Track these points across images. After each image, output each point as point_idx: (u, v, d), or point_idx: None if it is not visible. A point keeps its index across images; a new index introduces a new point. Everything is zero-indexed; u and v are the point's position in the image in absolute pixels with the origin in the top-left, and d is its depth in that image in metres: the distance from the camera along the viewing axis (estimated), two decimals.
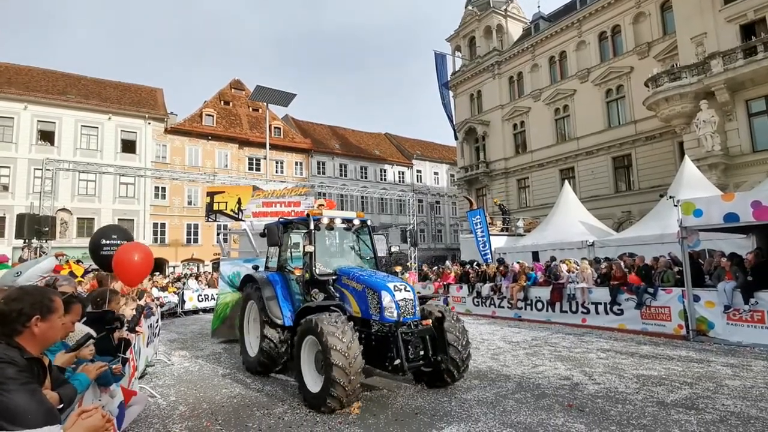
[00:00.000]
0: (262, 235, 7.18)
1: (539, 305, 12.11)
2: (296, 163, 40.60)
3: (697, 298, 8.95)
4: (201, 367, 7.55)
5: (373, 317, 5.35)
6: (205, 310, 16.50)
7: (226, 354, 8.63)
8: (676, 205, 9.25)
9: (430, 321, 5.51)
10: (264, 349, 6.35)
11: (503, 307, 13.20)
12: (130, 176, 28.83)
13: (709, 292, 8.87)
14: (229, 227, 14.59)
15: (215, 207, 13.89)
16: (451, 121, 36.03)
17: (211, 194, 14.23)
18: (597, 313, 10.88)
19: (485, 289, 13.98)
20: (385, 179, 46.27)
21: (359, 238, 7.06)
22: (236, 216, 13.57)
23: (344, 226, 6.71)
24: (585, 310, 11.16)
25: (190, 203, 34.69)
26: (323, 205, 11.48)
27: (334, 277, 6.02)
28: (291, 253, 7.09)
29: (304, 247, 6.30)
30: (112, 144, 31.67)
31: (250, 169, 37.04)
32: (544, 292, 12.06)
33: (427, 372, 5.71)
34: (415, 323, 5.39)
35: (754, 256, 8.81)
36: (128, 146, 32.44)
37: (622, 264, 10.98)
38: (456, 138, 37.62)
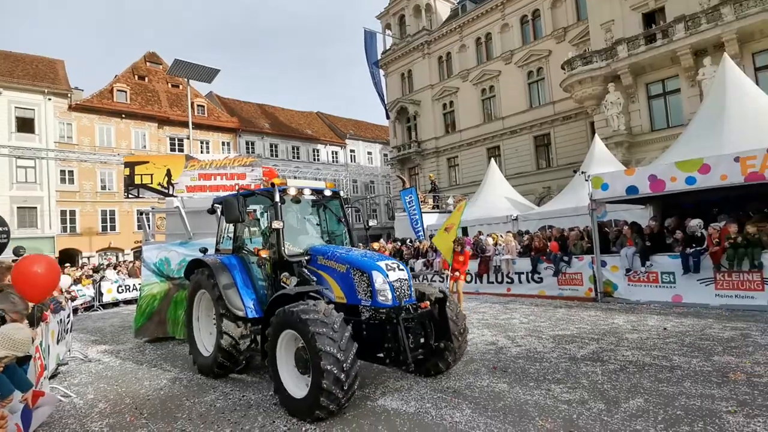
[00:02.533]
0: (210, 211, 6.32)
1: (468, 278, 12.74)
2: (223, 143, 38.57)
3: (604, 264, 9.92)
4: (123, 362, 7.09)
5: (363, 303, 4.60)
6: (127, 302, 15.44)
7: (152, 347, 8.17)
8: (587, 180, 10.09)
9: (428, 303, 4.89)
10: (222, 347, 5.39)
11: (435, 281, 13.72)
12: (29, 158, 25.74)
13: (614, 257, 9.86)
14: (154, 206, 12.69)
15: (137, 180, 11.79)
16: (382, 100, 36.03)
17: (130, 165, 12.02)
18: (520, 282, 11.69)
19: (418, 264, 14.42)
20: (318, 159, 45.52)
21: (328, 213, 6.17)
22: (166, 191, 11.65)
23: (313, 198, 5.86)
24: (509, 280, 11.94)
25: (104, 188, 31.82)
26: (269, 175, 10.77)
27: (306, 258, 5.17)
28: (250, 232, 6.12)
29: (270, 223, 5.40)
30: (4, 122, 27.96)
31: (172, 149, 34.61)
32: (472, 265, 12.69)
33: (419, 360, 4.93)
34: (414, 307, 4.77)
35: (655, 224, 9.89)
36: (25, 125, 28.80)
37: (540, 235, 11.83)
38: (388, 117, 37.78)
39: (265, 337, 4.61)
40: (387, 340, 4.46)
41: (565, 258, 10.71)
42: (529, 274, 11.45)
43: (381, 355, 4.55)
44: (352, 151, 49.02)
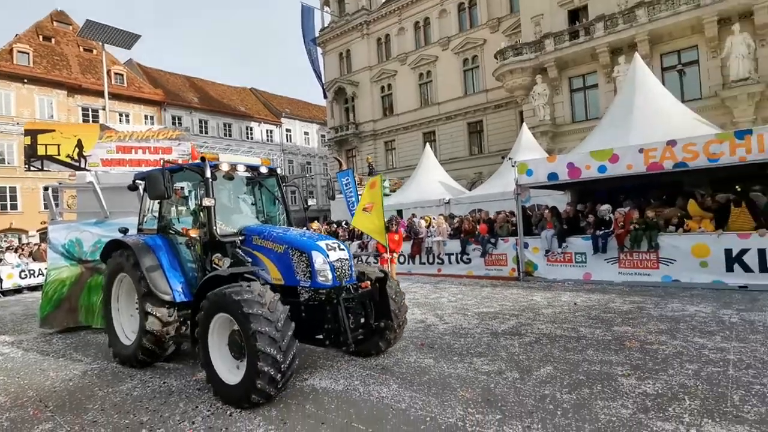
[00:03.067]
0: (132, 188, 5.78)
1: (401, 258, 13.04)
2: (146, 117, 35.75)
3: (526, 245, 10.60)
4: (25, 353, 6.46)
5: (302, 284, 4.45)
6: (32, 288, 14.02)
7: (61, 337, 7.51)
8: (513, 166, 10.65)
9: (369, 283, 4.87)
10: (148, 332, 5.01)
11: (369, 262, 13.88)
12: None
13: (535, 239, 10.57)
14: (63, 181, 11.26)
15: (41, 151, 10.41)
16: (319, 79, 35.25)
17: (32, 133, 10.57)
18: (450, 263, 12.19)
19: (353, 246, 14.49)
20: (251, 138, 43.75)
21: (264, 191, 5.91)
22: (77, 164, 10.46)
23: (248, 175, 5.54)
24: (440, 261, 12.41)
25: (2, 161, 28.34)
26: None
27: (240, 238, 4.91)
28: (177, 211, 5.75)
29: (200, 201, 5.06)
30: None
31: (86, 120, 31.49)
32: (405, 246, 12.99)
33: (359, 340, 4.88)
34: (354, 287, 4.75)
35: (571, 209, 10.71)
36: None
37: (470, 219, 12.37)
38: (325, 97, 37.07)
39: (195, 322, 4.35)
40: (327, 321, 4.41)
41: (492, 240, 11.30)
42: (459, 255, 11.96)
43: (320, 336, 4.49)
44: (288, 130, 47.66)
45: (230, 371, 4.10)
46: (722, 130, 10.45)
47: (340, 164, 24.26)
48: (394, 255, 9.66)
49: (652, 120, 10.25)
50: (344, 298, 4.47)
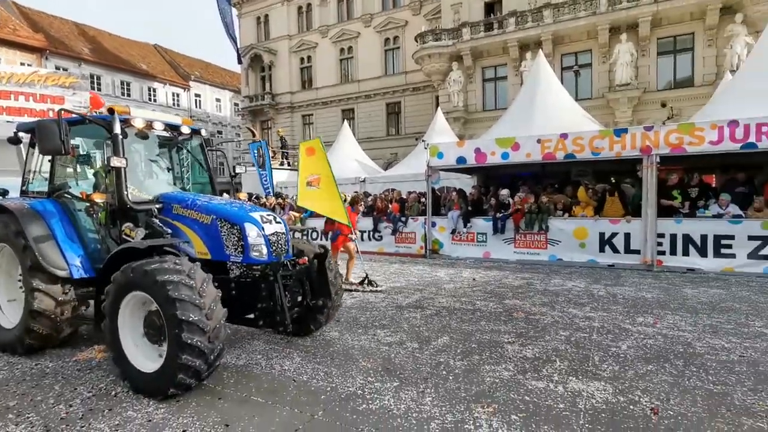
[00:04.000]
0: (13, 141, 4.93)
1: (314, 235, 12.96)
2: (22, 65, 30.70)
3: (434, 225, 11.14)
4: None
5: (233, 259, 4.06)
6: None
7: None
8: (426, 148, 11.04)
9: (307, 259, 4.53)
10: (35, 315, 4.28)
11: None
12: None
13: (442, 219, 11.15)
14: None
15: None
16: (234, 43, 32.93)
17: None
18: (362, 240, 12.35)
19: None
20: (155, 100, 39.83)
21: (183, 156, 5.27)
22: None
23: (166, 135, 4.88)
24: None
25: None
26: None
27: (157, 206, 4.34)
28: (76, 173, 4.90)
29: (107, 161, 4.32)
30: None
31: None
32: (319, 223, 12.89)
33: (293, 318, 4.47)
34: (292, 263, 4.40)
35: (476, 191, 11.40)
36: None
37: (383, 197, 12.64)
38: (240, 63, 34.82)
39: (100, 302, 3.80)
40: (261, 299, 4.08)
41: (403, 219, 11.68)
42: (371, 233, 12.20)
43: (252, 316, 4.18)
44: (197, 95, 44.14)
45: (147, 356, 3.63)
46: (605, 127, 11.77)
47: (253, 134, 23.09)
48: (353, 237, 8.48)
49: (549, 114, 11.21)
50: (281, 275, 4.14)
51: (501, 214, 10.25)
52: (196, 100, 44.01)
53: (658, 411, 3.15)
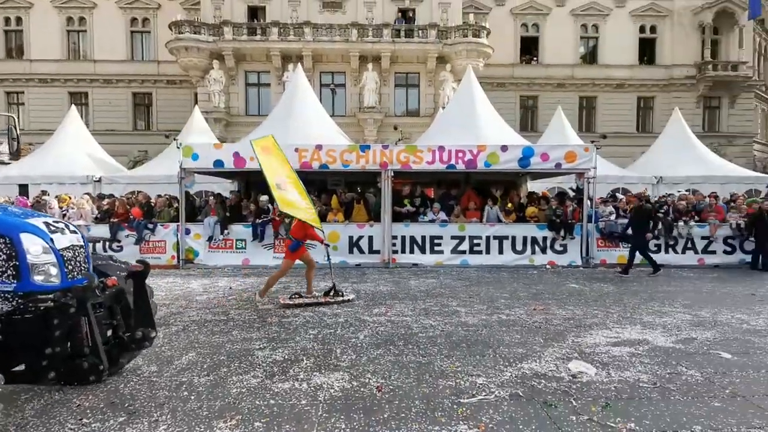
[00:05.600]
0: None
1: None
2: None
3: (188, 232, 10.23)
4: None
5: (1, 287, 2.93)
6: None
7: None
8: (178, 148, 10.06)
9: (116, 280, 3.60)
10: None
11: None
12: None
13: (198, 225, 10.37)
14: None
15: None
16: None
17: None
18: (95, 251, 10.27)
19: None
20: None
21: None
22: None
23: None
24: None
25: None
26: None
27: None
28: None
29: None
30: None
31: None
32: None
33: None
34: (98, 285, 3.38)
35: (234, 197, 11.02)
36: None
37: (125, 201, 10.88)
38: None
39: None
40: (54, 342, 3.06)
41: (150, 225, 10.30)
42: (106, 243, 10.29)
43: (22, 368, 3.08)
44: None
45: None
46: (355, 143, 13.26)
47: None
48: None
49: (306, 125, 11.90)
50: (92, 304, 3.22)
51: (260, 220, 10.23)
52: None
53: (381, 388, 3.69)
